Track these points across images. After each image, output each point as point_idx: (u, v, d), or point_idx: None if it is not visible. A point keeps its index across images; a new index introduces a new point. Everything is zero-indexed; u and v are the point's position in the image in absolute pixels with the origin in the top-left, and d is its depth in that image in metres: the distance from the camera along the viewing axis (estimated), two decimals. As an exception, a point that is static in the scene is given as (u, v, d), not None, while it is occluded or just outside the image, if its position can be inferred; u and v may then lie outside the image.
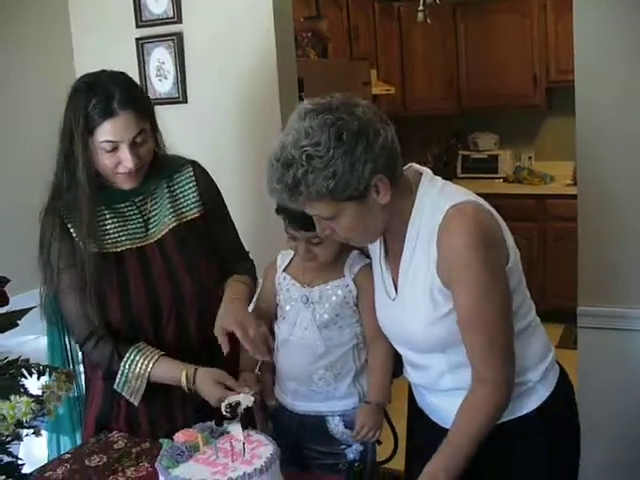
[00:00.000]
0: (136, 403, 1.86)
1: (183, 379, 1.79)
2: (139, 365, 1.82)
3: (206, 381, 1.77)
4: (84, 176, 1.79)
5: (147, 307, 1.87)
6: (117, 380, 1.84)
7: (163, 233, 1.92)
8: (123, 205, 1.91)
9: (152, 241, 1.91)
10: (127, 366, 1.82)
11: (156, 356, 1.82)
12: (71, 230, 1.84)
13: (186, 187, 1.97)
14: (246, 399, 1.59)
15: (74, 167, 1.80)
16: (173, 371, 1.81)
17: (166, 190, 1.95)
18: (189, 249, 1.93)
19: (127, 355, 1.83)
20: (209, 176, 2.04)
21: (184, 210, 1.95)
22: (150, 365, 1.81)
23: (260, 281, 2.02)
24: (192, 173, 1.98)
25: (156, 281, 1.89)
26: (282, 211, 1.72)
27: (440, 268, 1.53)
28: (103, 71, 1.85)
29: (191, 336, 1.91)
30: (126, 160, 1.79)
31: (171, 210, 1.93)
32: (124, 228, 1.90)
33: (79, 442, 1.99)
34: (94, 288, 1.82)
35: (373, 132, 1.46)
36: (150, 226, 1.93)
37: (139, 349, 1.83)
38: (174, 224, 1.93)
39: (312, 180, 1.44)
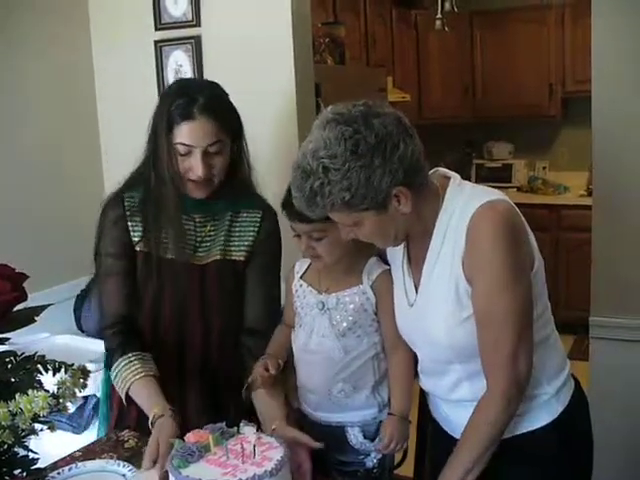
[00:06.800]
0: (123, 401, 1.88)
1: (150, 417, 1.75)
2: (123, 375, 1.83)
3: (155, 432, 1.71)
4: (168, 173, 1.81)
5: (175, 325, 1.92)
6: (112, 372, 1.89)
7: (208, 261, 1.91)
8: (183, 218, 1.91)
9: (196, 264, 1.91)
10: (119, 367, 1.85)
11: (137, 377, 1.81)
12: (129, 224, 1.89)
13: (247, 229, 1.94)
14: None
15: (159, 165, 1.82)
16: (147, 402, 1.79)
17: (228, 222, 1.93)
18: (227, 288, 1.93)
19: (122, 357, 1.85)
20: (275, 230, 1.98)
21: (232, 248, 1.93)
22: (127, 384, 1.82)
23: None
24: (259, 219, 1.95)
25: (188, 304, 1.91)
26: (284, 205, 1.72)
27: (466, 261, 1.50)
28: (198, 79, 1.87)
29: (213, 364, 1.95)
30: (197, 166, 1.78)
31: (222, 243, 1.92)
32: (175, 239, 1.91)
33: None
34: (135, 285, 1.90)
35: (391, 145, 1.44)
36: (199, 249, 1.92)
37: (130, 361, 1.84)
38: (218, 257, 1.91)
39: (328, 192, 1.44)
